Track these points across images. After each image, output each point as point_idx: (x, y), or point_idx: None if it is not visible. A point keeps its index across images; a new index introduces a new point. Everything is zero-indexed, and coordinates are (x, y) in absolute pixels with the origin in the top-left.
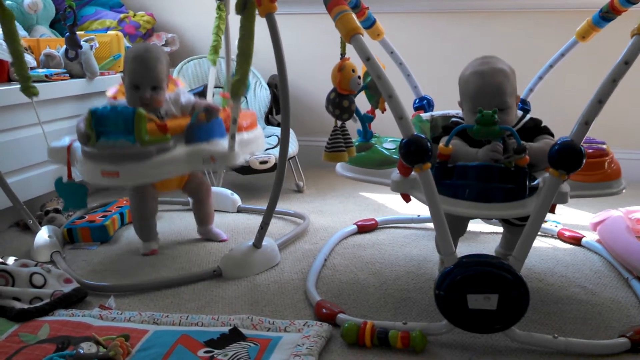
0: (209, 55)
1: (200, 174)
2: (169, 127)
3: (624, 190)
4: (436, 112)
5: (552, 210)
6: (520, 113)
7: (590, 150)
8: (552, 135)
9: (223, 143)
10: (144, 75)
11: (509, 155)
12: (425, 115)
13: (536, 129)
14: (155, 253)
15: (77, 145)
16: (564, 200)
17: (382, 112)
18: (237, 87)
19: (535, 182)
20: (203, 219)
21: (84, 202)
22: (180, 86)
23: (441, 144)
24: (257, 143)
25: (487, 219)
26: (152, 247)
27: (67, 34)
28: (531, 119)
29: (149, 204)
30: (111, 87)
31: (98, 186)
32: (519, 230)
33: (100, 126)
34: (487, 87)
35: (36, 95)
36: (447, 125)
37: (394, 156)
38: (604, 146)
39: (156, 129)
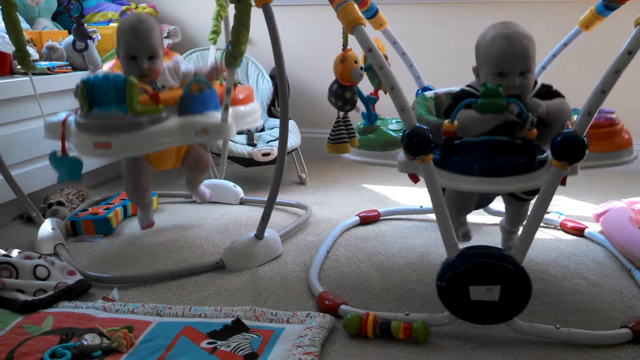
0: (210, 35)
1: (199, 148)
2: (162, 99)
3: (635, 159)
4: (440, 89)
5: (563, 183)
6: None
7: (601, 120)
8: (564, 97)
9: (216, 115)
10: (139, 46)
11: (525, 121)
12: (429, 94)
13: (548, 94)
14: (152, 226)
15: (72, 119)
16: (574, 172)
17: (385, 93)
18: (231, 56)
19: (544, 155)
20: (193, 183)
21: (78, 174)
22: (177, 56)
23: (446, 121)
24: (253, 117)
25: (489, 203)
26: (150, 219)
27: (74, 25)
28: (542, 85)
29: (143, 177)
30: (107, 62)
31: (92, 156)
32: (521, 204)
33: (93, 96)
34: (513, 50)
35: (34, 70)
36: (457, 95)
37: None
38: (613, 115)
39: (148, 99)
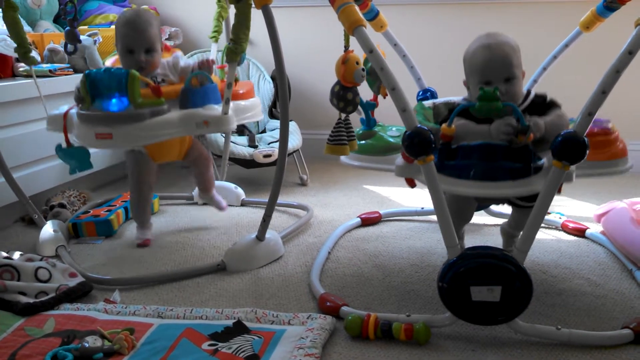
0: (211, 34)
1: (200, 145)
2: (164, 92)
3: (630, 169)
4: (438, 99)
5: (559, 190)
6: (525, 90)
7: (596, 129)
8: (560, 106)
9: (217, 108)
10: (136, 39)
11: (524, 128)
12: (428, 103)
13: (544, 104)
14: (148, 244)
15: (74, 112)
16: (569, 179)
17: (384, 98)
18: (232, 52)
19: (540, 162)
20: (205, 186)
21: (88, 163)
22: (177, 52)
23: (444, 125)
24: (254, 112)
25: (487, 206)
26: (146, 236)
27: (67, 28)
28: (537, 95)
29: (147, 178)
30: (109, 58)
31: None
32: (526, 212)
33: (95, 89)
34: (494, 59)
35: (35, 64)
36: (454, 107)
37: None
38: (609, 124)
39: (150, 92)
